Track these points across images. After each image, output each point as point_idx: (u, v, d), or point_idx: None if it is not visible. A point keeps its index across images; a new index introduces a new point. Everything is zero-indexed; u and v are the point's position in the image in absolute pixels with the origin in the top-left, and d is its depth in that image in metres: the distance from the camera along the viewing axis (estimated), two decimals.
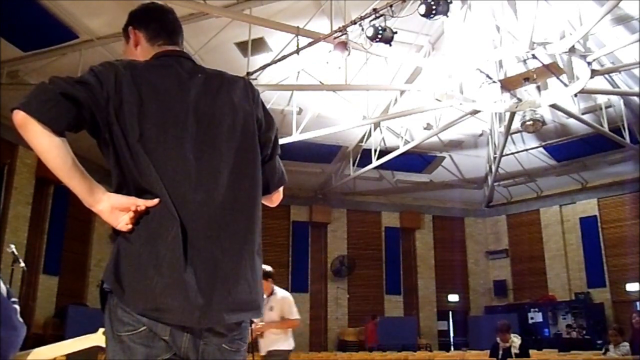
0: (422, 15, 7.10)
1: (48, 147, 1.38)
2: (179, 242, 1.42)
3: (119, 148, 1.47)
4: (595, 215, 14.46)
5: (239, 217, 1.54)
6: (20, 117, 1.37)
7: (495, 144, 12.42)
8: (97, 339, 2.71)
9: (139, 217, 1.45)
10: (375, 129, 12.61)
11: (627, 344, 8.02)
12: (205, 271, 1.43)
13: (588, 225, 14.51)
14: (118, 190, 1.50)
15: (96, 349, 2.77)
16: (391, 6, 7.35)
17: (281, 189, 1.79)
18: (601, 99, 11.22)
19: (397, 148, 12.51)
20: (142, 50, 1.74)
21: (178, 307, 1.38)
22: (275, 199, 1.79)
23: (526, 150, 13.13)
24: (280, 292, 5.20)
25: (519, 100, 9.87)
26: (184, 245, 1.42)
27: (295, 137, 10.71)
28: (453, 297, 15.83)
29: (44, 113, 1.37)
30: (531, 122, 10.01)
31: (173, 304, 1.38)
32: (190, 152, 1.52)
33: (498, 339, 7.21)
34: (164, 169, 1.47)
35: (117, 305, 1.41)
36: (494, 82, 9.24)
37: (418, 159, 14.01)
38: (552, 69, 8.72)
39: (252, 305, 1.51)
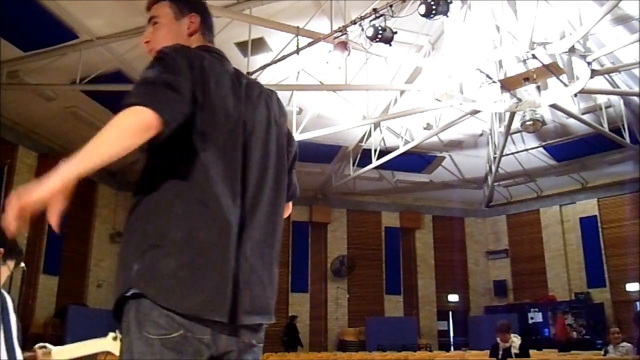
0: (422, 15, 7.10)
1: (130, 148, 1.33)
2: (227, 244, 1.44)
3: (179, 141, 1.44)
4: (595, 215, 14.46)
5: (273, 227, 1.60)
6: (151, 120, 1.31)
7: (495, 144, 12.42)
8: (105, 344, 2.68)
9: (183, 214, 1.42)
10: (375, 129, 12.61)
11: (626, 344, 8.02)
12: (244, 275, 1.46)
13: (588, 225, 14.51)
14: (156, 182, 1.46)
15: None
16: (391, 6, 7.36)
17: (290, 203, 1.83)
18: (601, 99, 11.21)
19: (397, 148, 12.51)
20: (193, 40, 1.70)
21: (226, 306, 1.40)
22: (285, 211, 1.81)
23: (526, 150, 13.12)
24: None
25: (519, 100, 9.87)
26: (229, 248, 1.44)
27: (295, 137, 10.67)
28: (453, 297, 15.83)
29: (174, 122, 1.34)
30: (531, 122, 10.01)
31: (223, 303, 1.40)
32: (239, 160, 1.53)
33: (498, 339, 7.21)
34: (216, 170, 1.47)
35: (152, 307, 1.37)
36: (494, 82, 9.24)
37: (418, 159, 14.01)
38: (552, 69, 8.72)
39: (268, 310, 1.56)
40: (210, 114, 1.49)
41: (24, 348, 2.65)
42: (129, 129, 1.32)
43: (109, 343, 2.67)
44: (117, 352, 2.68)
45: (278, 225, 1.62)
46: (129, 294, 1.40)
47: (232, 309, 1.41)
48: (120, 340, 1.48)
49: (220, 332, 1.42)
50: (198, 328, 1.38)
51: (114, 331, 2.69)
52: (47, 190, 1.28)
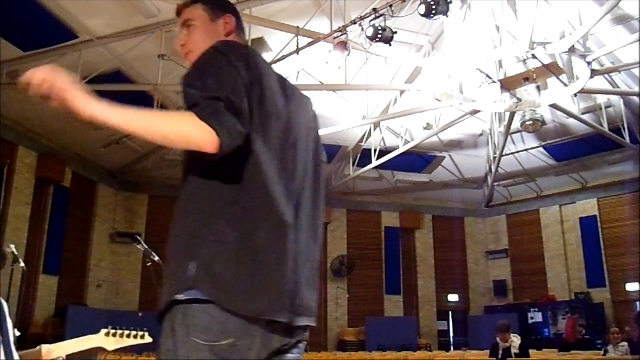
0: (422, 15, 7.11)
1: (170, 146, 1.39)
2: (285, 244, 1.43)
3: None
4: (595, 215, 14.45)
5: (316, 231, 1.60)
6: (209, 146, 1.31)
7: (495, 144, 12.42)
8: (99, 340, 2.71)
9: (238, 213, 1.41)
10: (375, 129, 12.61)
11: (626, 344, 8.03)
12: (298, 276, 1.46)
13: (588, 225, 14.51)
14: (209, 179, 1.44)
15: (96, 350, 2.78)
16: (391, 6, 7.37)
17: None
18: (601, 99, 11.21)
19: (397, 148, 12.51)
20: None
21: (288, 306, 1.40)
22: None
23: (526, 150, 13.13)
24: None
25: (519, 100, 9.87)
26: (287, 248, 1.44)
27: None
28: (453, 297, 15.83)
29: (230, 149, 1.34)
30: (531, 122, 10.01)
31: (285, 304, 1.40)
32: (291, 160, 1.54)
33: (498, 339, 7.21)
34: (272, 170, 1.46)
35: (203, 313, 1.34)
36: (494, 82, 9.24)
37: (418, 159, 14.01)
38: (552, 69, 8.72)
39: (314, 312, 1.56)
40: (266, 113, 1.49)
41: (24, 348, 2.65)
42: (185, 138, 1.34)
43: (102, 339, 2.70)
44: (109, 348, 2.72)
45: (319, 228, 1.63)
46: (183, 296, 1.35)
47: (292, 310, 1.41)
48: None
49: (273, 332, 1.40)
50: (254, 331, 1.36)
51: (107, 327, 2.72)
52: (72, 99, 1.36)
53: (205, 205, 1.42)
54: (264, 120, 1.47)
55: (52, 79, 1.35)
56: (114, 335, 2.70)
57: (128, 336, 2.73)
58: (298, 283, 1.45)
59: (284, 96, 1.58)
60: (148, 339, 2.78)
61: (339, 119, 11.46)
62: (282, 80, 1.63)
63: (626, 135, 11.48)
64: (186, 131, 1.32)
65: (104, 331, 2.71)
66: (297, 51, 8.22)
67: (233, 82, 1.40)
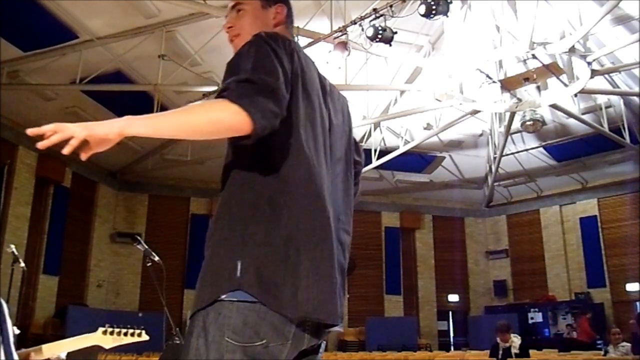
0: (422, 15, 7.11)
1: (205, 138, 1.32)
2: (331, 243, 1.40)
3: (284, 131, 1.40)
4: (595, 215, 14.46)
5: (347, 236, 1.58)
6: (243, 127, 1.28)
7: (495, 144, 12.43)
8: (96, 338, 2.72)
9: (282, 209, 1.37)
10: (375, 129, 12.61)
11: (626, 344, 8.04)
12: (338, 278, 1.43)
13: (588, 225, 14.51)
14: (255, 174, 1.40)
15: (97, 350, 2.78)
16: (391, 6, 7.37)
17: None
18: (601, 99, 11.21)
19: (397, 148, 12.51)
20: (278, 31, 1.60)
21: (337, 308, 1.39)
22: None
23: (526, 150, 13.13)
24: None
25: (519, 100, 9.87)
26: (333, 247, 1.42)
27: None
28: (453, 297, 15.83)
29: (262, 134, 1.30)
30: (531, 122, 10.01)
31: (336, 305, 1.38)
32: (329, 158, 1.52)
33: (498, 339, 7.21)
34: (317, 165, 1.43)
35: (239, 312, 1.31)
36: (494, 82, 9.25)
37: (418, 159, 14.01)
38: (552, 69, 8.73)
39: (341, 314, 1.53)
40: (311, 107, 1.47)
41: (24, 348, 2.66)
42: (217, 124, 1.29)
43: (99, 337, 2.71)
44: (106, 346, 2.73)
45: (348, 233, 1.59)
46: (227, 296, 1.32)
47: (336, 313, 1.39)
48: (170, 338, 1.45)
49: (304, 333, 1.37)
50: (287, 332, 1.33)
51: (104, 326, 2.74)
52: (105, 132, 1.29)
53: (251, 202, 1.38)
54: (309, 115, 1.45)
55: (67, 133, 1.29)
56: (111, 333, 2.72)
57: (125, 334, 2.75)
58: (339, 286, 1.43)
59: (324, 93, 1.57)
60: (145, 337, 2.80)
61: None
62: (321, 77, 1.62)
63: (626, 135, 11.49)
64: (218, 117, 1.29)
65: (101, 329, 2.72)
66: None
67: (271, 66, 1.37)
